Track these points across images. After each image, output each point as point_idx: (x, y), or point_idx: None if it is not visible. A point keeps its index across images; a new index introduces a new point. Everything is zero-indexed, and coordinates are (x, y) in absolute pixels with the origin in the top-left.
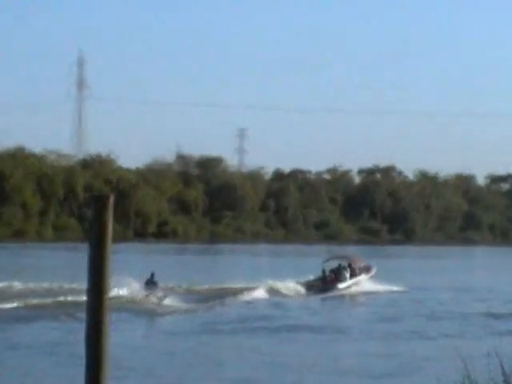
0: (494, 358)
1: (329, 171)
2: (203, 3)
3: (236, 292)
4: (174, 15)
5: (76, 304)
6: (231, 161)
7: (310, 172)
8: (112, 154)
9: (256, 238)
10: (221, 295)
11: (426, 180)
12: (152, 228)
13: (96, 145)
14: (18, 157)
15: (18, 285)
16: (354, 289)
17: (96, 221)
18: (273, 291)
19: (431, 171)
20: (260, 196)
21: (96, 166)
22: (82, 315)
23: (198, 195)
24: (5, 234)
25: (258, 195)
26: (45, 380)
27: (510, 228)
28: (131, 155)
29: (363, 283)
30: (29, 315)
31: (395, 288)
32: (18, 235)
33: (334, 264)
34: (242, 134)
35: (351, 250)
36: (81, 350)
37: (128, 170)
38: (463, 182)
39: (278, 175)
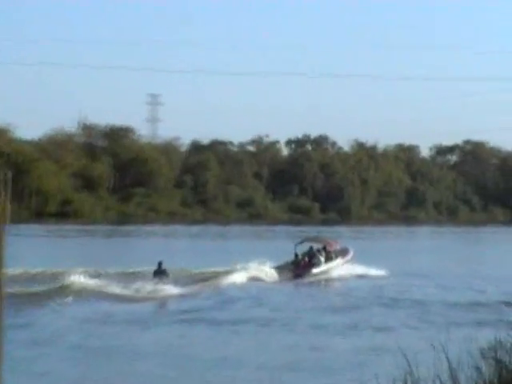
0: (441, 353)
1: (253, 142)
2: None
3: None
4: None
5: None
6: (142, 131)
7: (231, 143)
8: (7, 124)
9: (171, 218)
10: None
11: (363, 151)
12: (53, 207)
13: None
14: None
15: None
16: (329, 274)
17: None
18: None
19: (369, 142)
20: (175, 171)
21: None
22: None
23: (104, 170)
24: None
25: (173, 170)
26: None
27: (458, 205)
28: (29, 126)
29: (340, 267)
30: None
31: (374, 272)
32: None
33: (306, 247)
34: (154, 100)
35: (280, 230)
36: None
37: (25, 142)
38: (405, 154)
39: (196, 147)
